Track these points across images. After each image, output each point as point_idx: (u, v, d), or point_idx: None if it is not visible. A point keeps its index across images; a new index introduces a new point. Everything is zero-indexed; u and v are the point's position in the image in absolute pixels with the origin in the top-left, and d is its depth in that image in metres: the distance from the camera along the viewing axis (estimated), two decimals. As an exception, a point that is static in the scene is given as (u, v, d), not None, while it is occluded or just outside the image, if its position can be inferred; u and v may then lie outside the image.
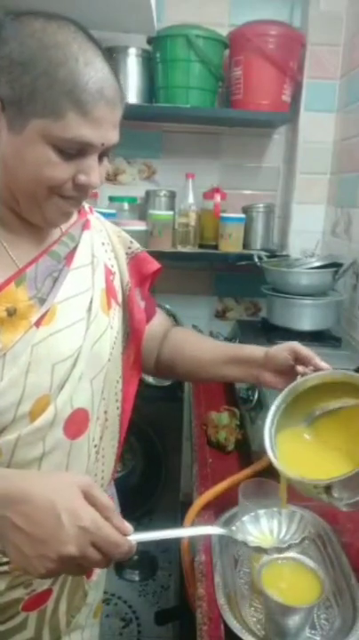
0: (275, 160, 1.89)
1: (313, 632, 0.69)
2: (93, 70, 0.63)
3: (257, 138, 1.86)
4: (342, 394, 0.81)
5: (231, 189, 1.84)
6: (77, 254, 0.77)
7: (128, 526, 0.60)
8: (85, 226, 0.82)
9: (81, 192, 0.69)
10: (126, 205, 1.79)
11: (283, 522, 0.66)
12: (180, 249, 1.76)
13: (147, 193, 1.82)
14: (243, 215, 1.76)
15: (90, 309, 0.76)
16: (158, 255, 1.74)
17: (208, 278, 1.98)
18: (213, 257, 1.78)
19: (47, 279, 0.73)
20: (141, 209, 1.84)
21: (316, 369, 0.82)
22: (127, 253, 0.91)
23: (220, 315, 2.02)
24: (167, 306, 1.90)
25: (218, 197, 1.77)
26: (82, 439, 0.74)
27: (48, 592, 0.77)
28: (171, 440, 1.89)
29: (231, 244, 1.74)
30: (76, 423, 0.73)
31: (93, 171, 0.67)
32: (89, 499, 0.56)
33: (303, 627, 0.66)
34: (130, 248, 0.92)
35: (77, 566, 0.56)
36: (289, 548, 0.63)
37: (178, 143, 1.84)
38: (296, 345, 0.85)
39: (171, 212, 1.76)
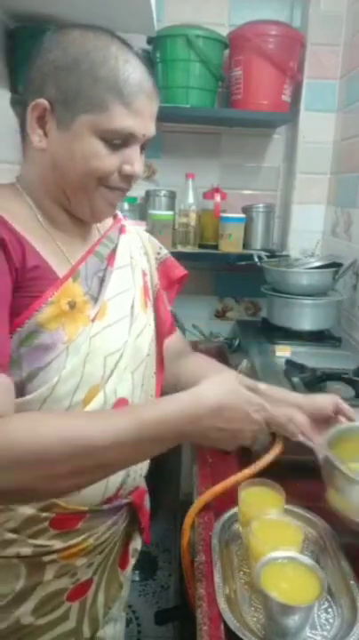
0: (275, 160, 1.89)
1: (313, 632, 0.69)
2: (132, 67, 0.70)
3: (257, 138, 1.86)
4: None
5: (231, 189, 1.84)
6: (118, 255, 0.84)
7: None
8: (122, 230, 0.89)
9: (126, 182, 0.75)
10: (126, 205, 1.79)
11: None
12: (180, 249, 1.76)
13: (148, 193, 1.82)
14: (243, 215, 1.76)
15: (132, 307, 0.83)
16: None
17: (208, 278, 1.98)
18: (213, 257, 1.78)
19: (94, 278, 0.79)
20: (141, 209, 1.84)
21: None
22: (156, 258, 0.97)
23: (220, 315, 2.02)
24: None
25: (218, 197, 1.77)
26: None
27: (89, 582, 0.82)
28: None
29: (231, 244, 1.74)
30: None
31: (137, 160, 0.73)
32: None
33: (303, 626, 0.66)
34: (159, 253, 0.98)
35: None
36: None
37: (178, 143, 1.84)
38: (339, 399, 0.93)
39: (171, 212, 1.76)
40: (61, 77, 0.68)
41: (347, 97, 1.61)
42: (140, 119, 0.71)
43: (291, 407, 0.91)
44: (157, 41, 1.61)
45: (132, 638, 1.67)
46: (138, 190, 1.86)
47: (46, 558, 0.75)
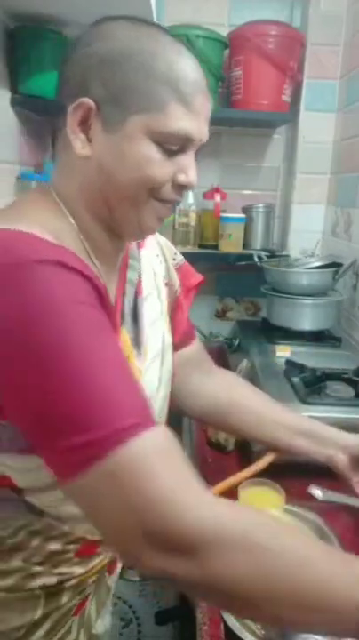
0: (275, 160, 1.89)
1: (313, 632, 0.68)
2: (186, 60, 0.60)
3: (257, 138, 1.86)
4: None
5: (231, 189, 1.83)
6: (144, 280, 0.75)
7: None
8: (140, 244, 0.78)
9: (178, 194, 0.65)
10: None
11: None
12: (180, 249, 1.75)
13: (147, 193, 1.81)
14: (243, 215, 1.76)
15: (163, 339, 0.76)
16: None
17: (208, 278, 1.95)
18: (213, 257, 1.78)
19: (131, 312, 0.70)
20: (141, 209, 1.84)
21: None
22: (173, 264, 0.89)
23: (220, 315, 2.01)
24: (167, 306, 1.90)
25: (218, 197, 1.77)
26: None
27: (88, 594, 0.79)
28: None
29: (231, 244, 1.74)
30: None
31: (192, 169, 0.64)
32: None
33: (303, 627, 0.66)
34: (174, 259, 0.89)
35: None
36: None
37: (178, 143, 1.84)
38: None
39: (170, 212, 1.75)
40: (109, 72, 0.58)
41: (347, 97, 1.61)
42: (198, 121, 0.62)
43: (331, 447, 0.87)
44: (157, 41, 1.60)
45: (132, 638, 1.67)
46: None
47: (67, 584, 0.72)
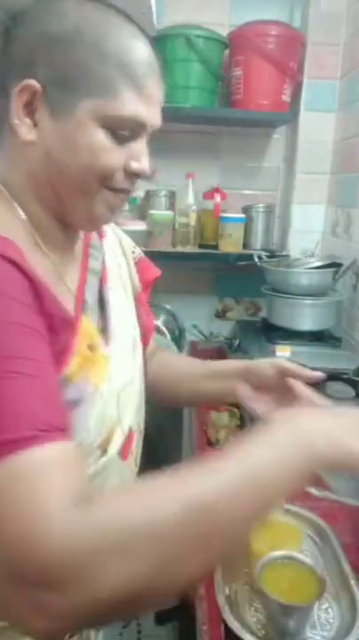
0: (275, 160, 1.89)
1: (313, 632, 0.69)
2: (140, 42, 0.57)
3: (257, 138, 1.86)
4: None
5: (231, 189, 1.84)
6: (108, 268, 0.73)
7: None
8: (100, 234, 0.76)
9: (130, 182, 0.62)
10: (126, 205, 1.79)
11: None
12: (180, 249, 1.76)
13: (147, 193, 1.82)
14: (243, 215, 1.76)
15: (134, 328, 0.74)
16: (158, 255, 1.75)
17: (208, 278, 1.98)
18: (213, 257, 1.78)
19: (95, 300, 0.68)
20: (141, 209, 1.84)
21: (308, 381, 0.79)
22: (133, 258, 0.87)
23: (220, 315, 2.01)
24: (167, 306, 1.90)
25: (218, 197, 1.77)
26: (130, 458, 0.70)
27: None
28: (171, 440, 1.89)
29: (231, 244, 1.74)
30: (129, 444, 0.69)
31: (144, 156, 0.61)
32: None
33: (303, 626, 0.66)
34: (133, 252, 0.87)
35: None
36: None
37: (178, 143, 1.84)
38: (281, 360, 0.81)
39: (171, 212, 1.75)
40: (58, 52, 0.54)
41: (347, 97, 1.61)
42: (152, 106, 0.59)
43: (233, 379, 0.83)
44: (157, 41, 1.60)
45: (132, 638, 1.67)
46: (138, 190, 1.86)
47: None
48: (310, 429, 0.52)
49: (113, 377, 0.65)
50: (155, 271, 0.90)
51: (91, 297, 0.66)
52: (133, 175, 0.61)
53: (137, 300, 0.82)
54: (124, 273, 0.79)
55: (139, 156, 0.60)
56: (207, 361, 0.93)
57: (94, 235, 0.75)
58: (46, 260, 0.60)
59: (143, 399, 0.80)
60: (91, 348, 0.61)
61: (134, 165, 0.60)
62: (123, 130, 0.57)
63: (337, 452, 0.52)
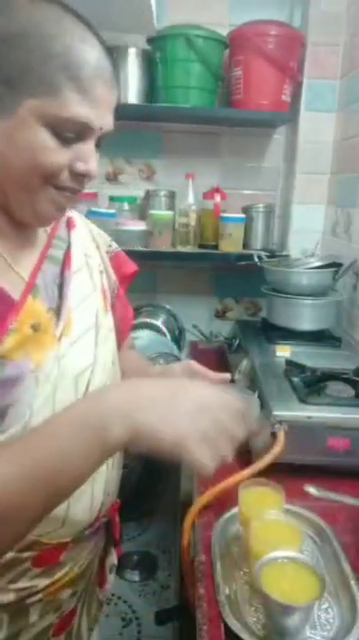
0: (275, 160, 1.89)
1: (313, 632, 0.69)
2: (89, 46, 0.58)
3: (257, 138, 1.86)
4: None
5: (231, 189, 1.84)
6: (74, 256, 0.74)
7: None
8: (70, 225, 0.78)
9: (77, 182, 0.63)
10: (126, 205, 1.79)
11: None
12: (180, 249, 1.76)
13: (147, 193, 1.82)
14: (243, 215, 1.76)
15: (97, 314, 0.75)
16: (158, 255, 1.75)
17: (208, 278, 1.98)
18: (213, 257, 1.78)
19: (54, 287, 0.70)
20: (141, 209, 1.84)
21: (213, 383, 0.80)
22: (107, 252, 0.88)
23: (220, 315, 2.02)
24: (167, 306, 1.90)
25: (218, 197, 1.77)
26: None
27: (74, 611, 0.77)
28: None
29: (231, 244, 1.74)
30: None
31: (91, 158, 0.62)
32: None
33: (303, 626, 0.66)
34: (110, 246, 0.89)
35: (217, 439, 0.59)
36: None
37: (178, 143, 1.84)
38: (191, 363, 0.84)
39: (171, 212, 1.75)
40: (4, 51, 0.55)
41: (347, 97, 1.61)
42: (98, 109, 0.59)
43: None
44: (157, 41, 1.61)
45: (132, 638, 1.67)
46: (137, 190, 1.87)
47: (30, 600, 0.68)
48: (112, 407, 0.55)
49: (66, 358, 0.66)
50: (130, 266, 0.92)
51: (44, 281, 0.68)
52: (79, 176, 0.62)
53: (116, 296, 0.86)
54: (94, 263, 0.80)
55: (86, 157, 0.62)
56: (147, 364, 0.95)
57: (62, 226, 0.77)
58: None
59: None
60: (36, 327, 0.64)
61: (80, 166, 0.61)
62: (67, 131, 0.59)
63: (135, 434, 0.55)
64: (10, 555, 0.64)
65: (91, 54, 0.58)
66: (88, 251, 0.79)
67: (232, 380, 1.16)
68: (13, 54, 0.56)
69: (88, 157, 0.62)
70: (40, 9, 0.57)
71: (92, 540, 0.78)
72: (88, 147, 0.62)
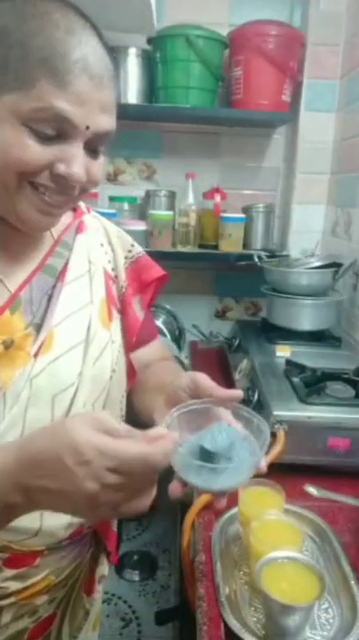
0: (275, 160, 1.89)
1: (313, 632, 0.69)
2: (76, 40, 0.54)
3: (257, 138, 1.86)
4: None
5: (231, 189, 1.84)
6: (71, 265, 0.70)
7: (154, 431, 0.50)
8: (79, 229, 0.74)
9: (60, 185, 0.58)
10: (126, 205, 1.79)
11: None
12: (180, 249, 1.76)
13: (147, 193, 1.82)
14: (243, 215, 1.76)
15: (89, 328, 0.69)
16: (158, 255, 1.74)
17: (208, 278, 1.98)
18: (213, 257, 1.78)
19: (43, 298, 0.66)
20: (141, 209, 1.84)
21: (220, 400, 0.65)
22: (127, 257, 0.82)
23: (220, 315, 2.02)
24: (167, 306, 1.90)
25: (218, 197, 1.77)
26: None
27: (52, 617, 0.75)
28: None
29: (231, 244, 1.74)
30: None
31: (75, 160, 0.57)
32: (98, 429, 0.48)
33: (303, 626, 0.66)
34: (130, 252, 0.83)
35: (126, 499, 0.49)
36: None
37: (178, 143, 1.84)
38: (197, 377, 0.67)
39: (171, 212, 1.75)
40: None
41: (347, 97, 1.61)
42: (81, 106, 0.54)
43: (153, 393, 0.74)
44: (157, 41, 1.61)
45: (132, 638, 1.67)
46: (138, 190, 1.87)
47: (2, 602, 0.66)
48: (23, 485, 0.49)
49: (41, 376, 0.62)
50: (156, 271, 0.84)
51: (30, 294, 0.65)
52: (61, 177, 0.57)
53: (123, 301, 0.79)
54: (99, 271, 0.74)
55: (68, 159, 0.57)
56: (174, 372, 0.82)
57: (71, 231, 0.73)
58: None
59: (121, 404, 0.76)
60: (7, 344, 0.61)
61: (60, 168, 0.57)
62: (42, 126, 0.54)
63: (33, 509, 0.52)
64: None
65: (76, 48, 0.54)
66: (94, 256, 0.74)
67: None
68: None
69: (71, 159, 0.57)
70: (31, 5, 0.54)
71: (73, 549, 0.74)
72: (73, 148, 0.57)
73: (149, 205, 1.79)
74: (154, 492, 0.51)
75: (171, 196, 1.80)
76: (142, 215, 1.82)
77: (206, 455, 0.58)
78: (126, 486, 0.48)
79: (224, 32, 1.63)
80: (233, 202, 1.83)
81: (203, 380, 0.67)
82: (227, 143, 1.86)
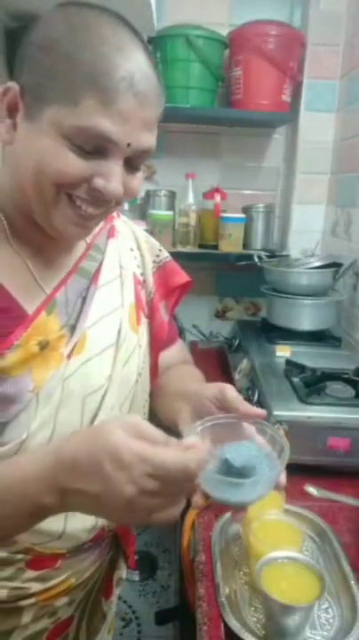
0: (275, 160, 1.89)
1: (313, 632, 0.69)
2: (124, 57, 0.54)
3: (257, 138, 1.86)
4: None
5: (231, 189, 1.83)
6: (104, 269, 0.71)
7: (189, 440, 0.51)
8: (110, 233, 0.75)
9: (95, 199, 0.58)
10: (126, 205, 1.79)
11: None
12: (180, 249, 1.76)
13: (147, 193, 1.81)
14: (243, 215, 1.76)
15: (120, 331, 0.70)
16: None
17: (208, 278, 1.98)
18: (213, 257, 1.78)
19: (77, 300, 0.67)
20: (141, 209, 1.84)
21: (244, 416, 0.66)
22: (154, 261, 0.83)
23: (220, 315, 2.02)
24: (167, 306, 1.90)
25: (218, 197, 1.77)
26: None
27: (70, 619, 0.76)
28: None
29: (231, 244, 1.74)
30: None
31: (114, 176, 0.57)
32: (135, 434, 0.49)
33: (303, 626, 0.66)
34: (158, 256, 0.83)
35: (161, 506, 0.49)
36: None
37: (178, 143, 1.84)
38: (225, 389, 0.67)
39: (171, 212, 1.76)
40: (37, 59, 0.55)
41: (347, 97, 1.61)
42: (124, 124, 0.54)
43: (181, 401, 0.73)
44: (157, 41, 1.61)
45: (132, 638, 1.67)
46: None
47: (23, 603, 0.67)
48: (60, 488, 0.50)
49: (73, 378, 0.63)
50: (181, 277, 0.86)
51: (66, 296, 0.66)
52: (98, 192, 0.57)
53: (151, 306, 0.81)
54: (129, 275, 0.76)
55: (107, 175, 0.57)
56: (189, 381, 0.81)
57: (103, 235, 0.74)
58: (15, 257, 0.63)
59: (145, 408, 0.78)
60: (43, 345, 0.61)
61: (98, 182, 0.57)
62: (83, 142, 0.54)
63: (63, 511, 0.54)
64: (2, 554, 0.64)
65: (123, 64, 0.54)
66: (124, 261, 0.75)
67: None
68: (44, 63, 0.54)
69: (110, 175, 0.57)
70: (82, 18, 0.55)
71: (94, 552, 0.75)
72: (113, 165, 0.57)
73: (149, 205, 1.79)
74: (184, 501, 0.51)
75: (172, 195, 1.80)
76: (142, 215, 1.82)
77: (229, 469, 0.59)
78: (162, 493, 0.48)
79: (224, 32, 1.63)
80: (233, 202, 1.83)
81: (231, 392, 0.67)
82: (227, 143, 1.86)
